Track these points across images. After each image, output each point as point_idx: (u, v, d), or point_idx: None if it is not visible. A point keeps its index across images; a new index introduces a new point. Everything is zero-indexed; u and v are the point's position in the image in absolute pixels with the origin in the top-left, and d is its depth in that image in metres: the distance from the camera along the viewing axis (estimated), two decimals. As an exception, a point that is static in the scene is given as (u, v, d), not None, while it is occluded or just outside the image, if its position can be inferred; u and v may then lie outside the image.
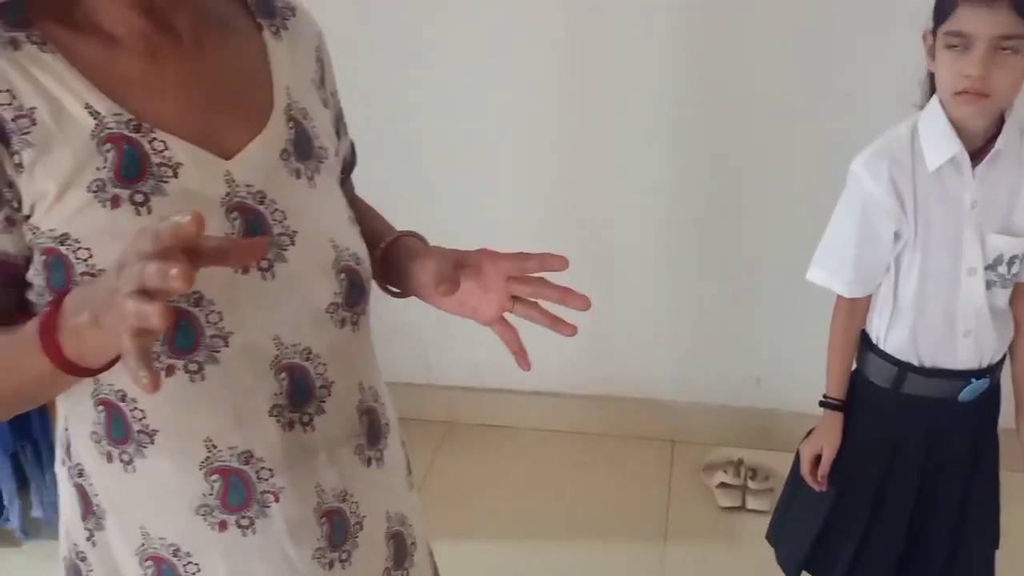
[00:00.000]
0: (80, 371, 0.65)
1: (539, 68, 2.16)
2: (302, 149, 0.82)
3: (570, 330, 0.87)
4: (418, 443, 2.42)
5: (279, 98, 0.82)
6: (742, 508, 2.14)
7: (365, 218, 0.97)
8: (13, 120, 0.69)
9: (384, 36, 2.16)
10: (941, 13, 1.23)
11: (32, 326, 0.65)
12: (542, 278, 0.87)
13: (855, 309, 1.42)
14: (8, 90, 0.69)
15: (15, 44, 0.71)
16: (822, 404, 1.47)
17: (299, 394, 0.80)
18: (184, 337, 0.73)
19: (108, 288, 0.58)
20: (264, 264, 0.77)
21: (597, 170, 2.24)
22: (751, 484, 2.14)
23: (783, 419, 2.31)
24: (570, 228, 2.27)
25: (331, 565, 0.83)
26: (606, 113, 2.17)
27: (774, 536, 1.59)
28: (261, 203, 0.77)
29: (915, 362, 1.38)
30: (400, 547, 0.92)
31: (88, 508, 0.81)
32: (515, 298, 0.88)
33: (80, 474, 0.81)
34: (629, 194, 2.23)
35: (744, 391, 2.38)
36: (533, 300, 0.88)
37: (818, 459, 1.46)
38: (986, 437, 1.46)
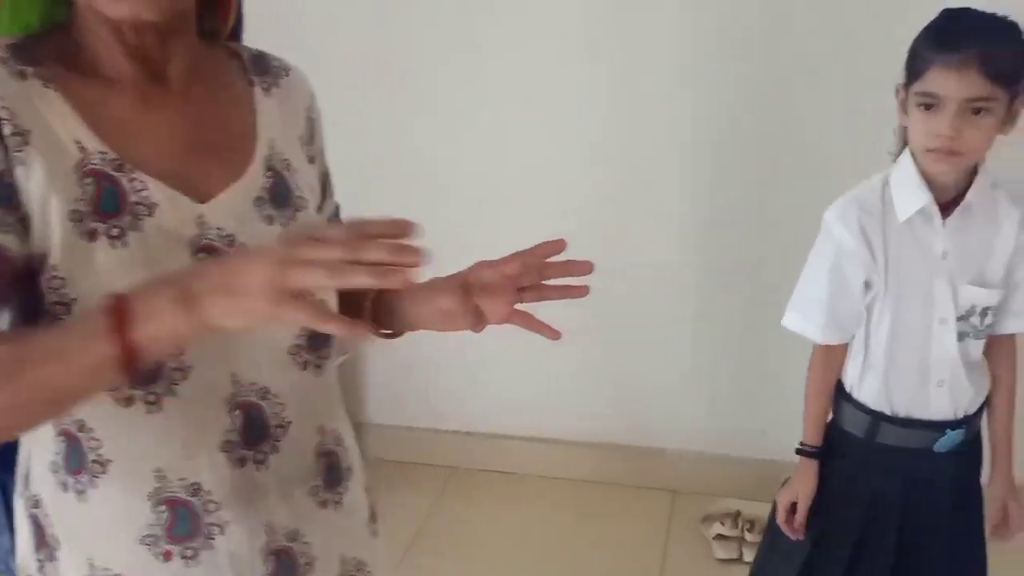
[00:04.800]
0: (134, 363, 0.66)
1: (568, 123, 2.20)
2: (280, 198, 0.86)
3: (581, 291, 0.93)
4: (422, 487, 2.47)
5: (261, 149, 0.86)
6: (739, 560, 2.11)
7: None
8: (11, 135, 0.74)
9: (409, 81, 2.24)
10: (913, 72, 1.25)
11: (95, 309, 0.67)
12: (542, 262, 0.92)
13: (831, 357, 1.43)
14: (9, 107, 0.74)
15: (22, 75, 0.77)
16: (798, 452, 1.47)
17: (253, 432, 0.82)
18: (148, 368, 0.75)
19: (259, 259, 0.65)
20: None
21: (615, 227, 2.27)
22: (748, 536, 2.12)
23: (786, 470, 2.28)
24: (597, 275, 2.29)
25: None
26: (633, 168, 2.21)
27: (753, 586, 1.58)
28: (230, 246, 0.81)
29: (888, 411, 1.38)
30: None
31: (41, 539, 0.83)
32: (521, 290, 0.92)
33: (36, 504, 0.83)
34: (645, 250, 2.26)
35: (749, 442, 2.36)
36: (539, 284, 0.93)
37: (795, 508, 1.46)
38: (968, 491, 1.45)
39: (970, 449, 1.43)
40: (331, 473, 0.90)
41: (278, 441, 0.84)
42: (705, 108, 2.13)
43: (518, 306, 0.93)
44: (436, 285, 0.93)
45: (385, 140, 2.28)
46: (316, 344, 0.86)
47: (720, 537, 2.15)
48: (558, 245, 0.90)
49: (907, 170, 1.31)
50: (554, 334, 0.94)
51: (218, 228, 0.80)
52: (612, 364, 2.40)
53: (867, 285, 1.35)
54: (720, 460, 2.40)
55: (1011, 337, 1.40)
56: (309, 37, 2.22)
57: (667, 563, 2.17)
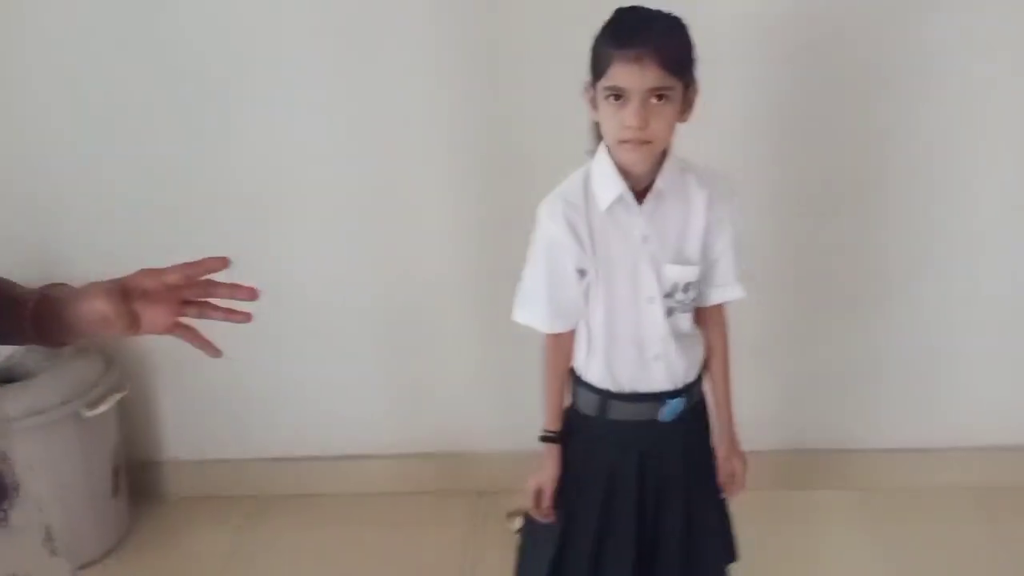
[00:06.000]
0: None
1: (339, 139, 2.19)
2: None
3: (244, 318, 0.97)
4: (227, 520, 2.42)
5: None
6: (540, 551, 2.17)
7: (3, 289, 1.00)
8: None
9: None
10: (599, 69, 1.33)
11: None
12: (209, 279, 0.96)
13: (559, 345, 1.50)
14: None
15: None
16: (541, 439, 1.54)
17: None
18: None
19: None
20: None
21: (405, 229, 2.28)
22: (546, 526, 2.18)
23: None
24: (377, 285, 2.32)
25: None
26: (412, 174, 2.22)
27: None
28: None
29: (614, 389, 1.46)
30: None
31: None
32: (186, 303, 0.96)
33: None
34: (423, 259, 2.30)
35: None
36: (203, 300, 0.97)
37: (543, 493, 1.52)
38: (700, 455, 1.55)
39: (696, 415, 1.54)
40: None
41: None
42: (465, 116, 2.17)
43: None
44: (95, 288, 0.94)
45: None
46: None
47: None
48: (222, 262, 0.95)
49: (603, 163, 1.40)
50: (216, 352, 0.97)
51: None
52: (405, 374, 2.42)
53: (581, 273, 1.43)
54: (523, 456, 2.45)
55: (719, 307, 1.52)
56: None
57: (473, 563, 2.21)
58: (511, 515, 2.30)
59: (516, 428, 2.42)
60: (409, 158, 2.21)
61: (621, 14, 1.35)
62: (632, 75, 1.27)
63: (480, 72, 2.13)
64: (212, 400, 2.43)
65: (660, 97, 1.29)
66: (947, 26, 1.99)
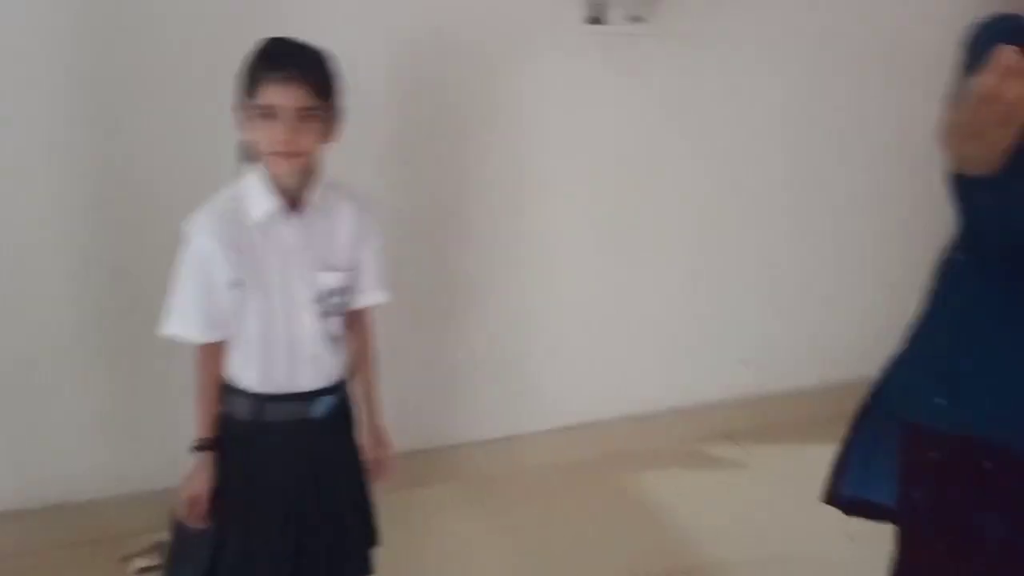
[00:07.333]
0: None
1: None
2: None
3: None
4: None
5: None
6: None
7: None
8: None
9: None
10: (250, 91, 1.45)
11: None
12: None
13: (213, 354, 1.54)
14: None
15: None
16: (195, 447, 1.55)
17: None
18: None
19: None
20: None
21: (11, 272, 2.11)
22: (173, 561, 2.12)
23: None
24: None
25: None
26: (20, 214, 2.07)
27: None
28: None
29: (268, 391, 1.54)
30: None
31: None
32: None
33: None
34: (45, 297, 2.16)
35: (162, 473, 2.34)
36: None
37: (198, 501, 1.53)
38: (346, 448, 1.68)
39: (344, 413, 1.67)
40: None
41: None
42: (84, 154, 2.08)
43: None
44: None
45: None
46: None
47: (143, 571, 2.12)
48: None
49: (256, 179, 1.49)
50: None
51: None
52: (10, 426, 2.21)
53: (235, 283, 1.49)
54: (133, 498, 2.33)
55: (365, 310, 1.68)
56: None
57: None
58: (126, 559, 2.20)
59: (124, 471, 2.32)
60: (16, 197, 2.07)
61: (272, 42, 1.47)
62: (281, 95, 1.42)
63: (102, 103, 2.08)
64: None
65: (307, 116, 1.43)
66: (523, 79, 2.45)
